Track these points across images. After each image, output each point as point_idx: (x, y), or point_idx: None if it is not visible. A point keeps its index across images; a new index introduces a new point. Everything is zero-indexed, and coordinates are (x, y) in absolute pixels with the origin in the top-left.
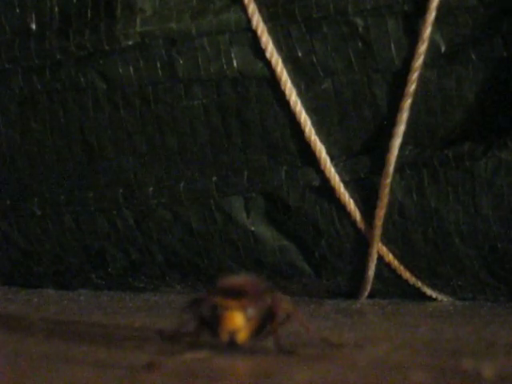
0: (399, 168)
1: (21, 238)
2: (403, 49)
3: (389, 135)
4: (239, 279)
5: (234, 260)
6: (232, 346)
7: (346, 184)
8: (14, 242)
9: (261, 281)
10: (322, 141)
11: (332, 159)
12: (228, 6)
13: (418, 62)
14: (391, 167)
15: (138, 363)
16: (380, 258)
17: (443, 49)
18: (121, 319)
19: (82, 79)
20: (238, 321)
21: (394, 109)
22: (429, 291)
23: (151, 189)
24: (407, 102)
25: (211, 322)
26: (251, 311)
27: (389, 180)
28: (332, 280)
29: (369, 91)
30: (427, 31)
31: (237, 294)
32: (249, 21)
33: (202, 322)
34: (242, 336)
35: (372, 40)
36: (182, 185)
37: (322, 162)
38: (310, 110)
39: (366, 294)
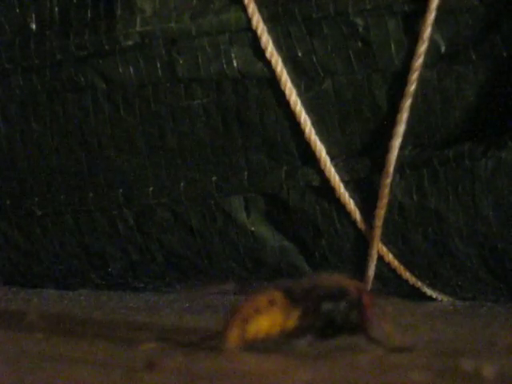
0: (399, 168)
1: (21, 238)
2: (403, 49)
3: (389, 135)
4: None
5: (234, 260)
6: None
7: (346, 184)
8: (14, 242)
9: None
10: (322, 141)
11: (332, 159)
12: (228, 5)
13: (418, 62)
14: (391, 167)
15: (137, 363)
16: (380, 258)
17: (443, 49)
18: (121, 319)
19: (82, 79)
20: None
21: (394, 109)
22: (429, 291)
23: (151, 189)
24: (407, 102)
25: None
26: None
27: (389, 180)
28: None
29: (369, 91)
30: (427, 31)
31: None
32: (249, 21)
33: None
34: None
35: (372, 40)
36: (182, 185)
37: (322, 161)
38: (310, 110)
39: None
